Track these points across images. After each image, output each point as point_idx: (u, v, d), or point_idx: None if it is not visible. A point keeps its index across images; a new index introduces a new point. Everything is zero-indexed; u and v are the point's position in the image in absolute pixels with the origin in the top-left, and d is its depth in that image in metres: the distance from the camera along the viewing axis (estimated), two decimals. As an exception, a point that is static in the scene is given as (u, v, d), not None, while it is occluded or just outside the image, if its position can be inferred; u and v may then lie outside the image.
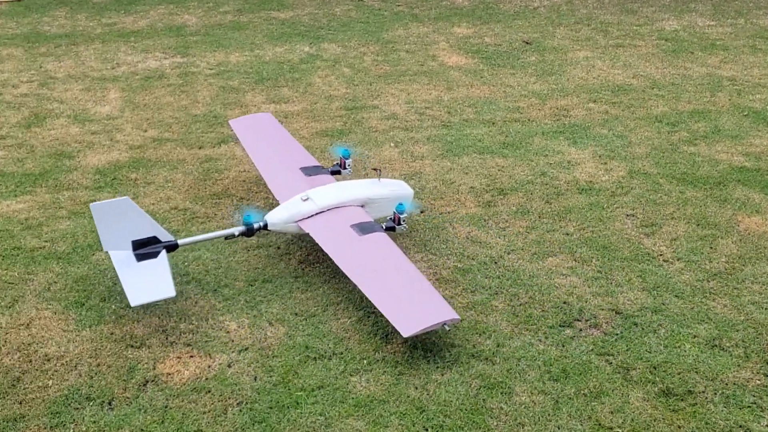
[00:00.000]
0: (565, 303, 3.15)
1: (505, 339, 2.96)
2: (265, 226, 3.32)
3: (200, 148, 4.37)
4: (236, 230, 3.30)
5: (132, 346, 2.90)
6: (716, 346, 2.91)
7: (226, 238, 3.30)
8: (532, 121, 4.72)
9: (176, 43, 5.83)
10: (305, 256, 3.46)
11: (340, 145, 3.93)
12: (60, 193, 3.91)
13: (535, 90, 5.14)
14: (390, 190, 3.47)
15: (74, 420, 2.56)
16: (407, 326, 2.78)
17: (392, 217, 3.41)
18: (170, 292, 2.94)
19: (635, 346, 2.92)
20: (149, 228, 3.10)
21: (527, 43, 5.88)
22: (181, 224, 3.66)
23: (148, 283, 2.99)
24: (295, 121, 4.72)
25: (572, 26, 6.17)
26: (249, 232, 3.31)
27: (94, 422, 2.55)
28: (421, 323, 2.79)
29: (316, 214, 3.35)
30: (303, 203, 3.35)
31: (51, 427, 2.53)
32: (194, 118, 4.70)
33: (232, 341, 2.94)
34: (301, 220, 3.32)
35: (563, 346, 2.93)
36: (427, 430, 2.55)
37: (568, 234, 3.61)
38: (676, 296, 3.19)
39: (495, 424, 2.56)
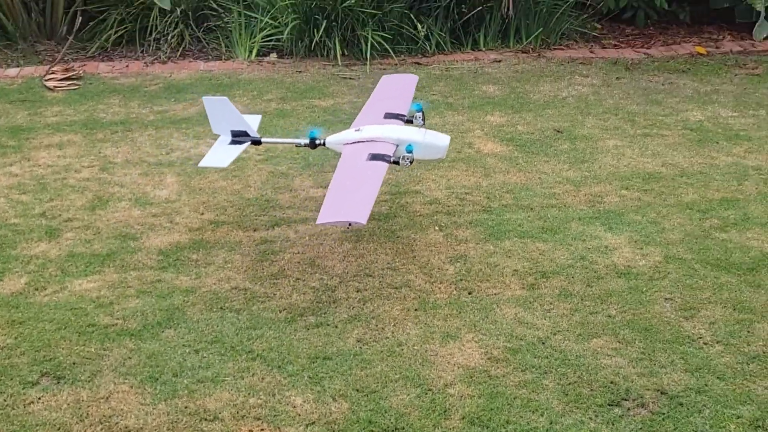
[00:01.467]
0: (612, 383, 3.32)
1: (558, 417, 3.13)
2: (323, 143, 4.31)
3: (255, 230, 4.61)
4: (302, 141, 4.37)
5: (206, 419, 3.08)
6: (760, 426, 3.06)
7: (296, 145, 4.52)
8: (568, 207, 4.95)
9: (225, 129, 6.14)
10: (362, 335, 3.66)
11: (418, 101, 4.53)
12: (127, 273, 4.15)
13: (569, 177, 5.38)
14: (425, 138, 4.13)
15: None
16: (324, 216, 3.59)
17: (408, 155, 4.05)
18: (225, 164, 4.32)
19: (682, 425, 3.07)
20: (244, 125, 4.38)
21: (558, 131, 6.17)
22: (243, 303, 3.88)
23: (222, 157, 4.34)
24: (342, 205, 4.96)
25: (600, 116, 6.46)
26: (312, 144, 4.32)
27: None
28: (334, 217, 3.58)
29: (358, 141, 4.13)
30: (354, 132, 4.19)
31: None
32: (248, 202, 4.97)
33: (299, 415, 3.12)
34: (346, 143, 4.17)
35: (613, 424, 3.09)
36: (491, 502, 2.69)
37: (610, 316, 3.79)
38: (718, 378, 3.35)
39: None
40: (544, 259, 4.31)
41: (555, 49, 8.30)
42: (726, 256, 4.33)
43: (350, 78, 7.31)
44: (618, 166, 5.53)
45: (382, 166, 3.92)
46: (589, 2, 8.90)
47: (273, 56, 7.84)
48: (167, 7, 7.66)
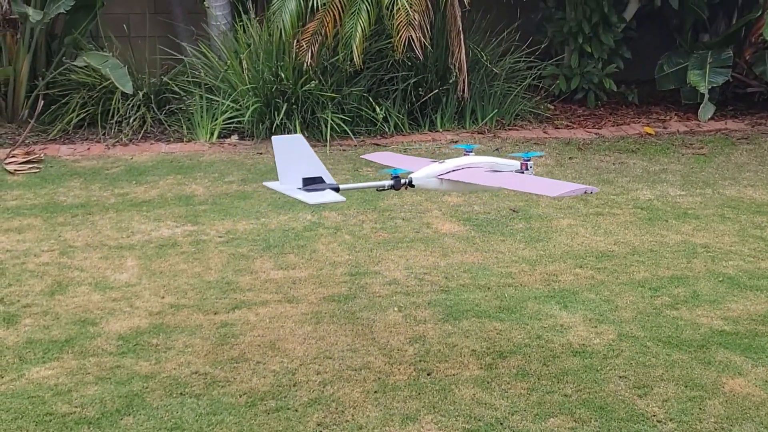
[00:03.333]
0: (569, 463, 3.37)
1: (516, 499, 3.16)
2: (409, 183, 3.99)
3: (215, 313, 4.63)
4: (386, 183, 3.95)
5: None
6: (713, 503, 3.13)
7: (378, 189, 4.01)
8: (524, 286, 5.06)
9: (186, 212, 6.21)
10: (322, 418, 3.67)
11: (462, 143, 4.62)
12: (86, 359, 4.13)
13: (525, 256, 5.51)
14: (503, 162, 4.16)
15: None
16: (551, 189, 3.59)
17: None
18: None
19: (638, 505, 3.12)
20: (319, 170, 3.81)
21: (514, 211, 6.33)
22: (203, 388, 3.87)
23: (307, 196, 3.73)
24: (303, 286, 5.02)
25: (554, 195, 6.64)
26: (397, 184, 3.96)
27: None
28: (564, 188, 3.54)
29: (453, 170, 4.03)
30: (439, 164, 4.07)
31: None
32: (208, 285, 4.99)
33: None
34: (440, 175, 4.03)
35: (571, 505, 3.12)
36: None
37: (566, 395, 3.86)
38: (671, 455, 3.42)
39: None
40: (502, 339, 4.39)
41: (510, 129, 8.57)
42: (677, 333, 4.45)
43: (311, 159, 7.45)
44: (572, 245, 5.68)
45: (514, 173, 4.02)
46: (541, 85, 9.24)
47: (234, 138, 7.97)
48: (129, 91, 7.78)
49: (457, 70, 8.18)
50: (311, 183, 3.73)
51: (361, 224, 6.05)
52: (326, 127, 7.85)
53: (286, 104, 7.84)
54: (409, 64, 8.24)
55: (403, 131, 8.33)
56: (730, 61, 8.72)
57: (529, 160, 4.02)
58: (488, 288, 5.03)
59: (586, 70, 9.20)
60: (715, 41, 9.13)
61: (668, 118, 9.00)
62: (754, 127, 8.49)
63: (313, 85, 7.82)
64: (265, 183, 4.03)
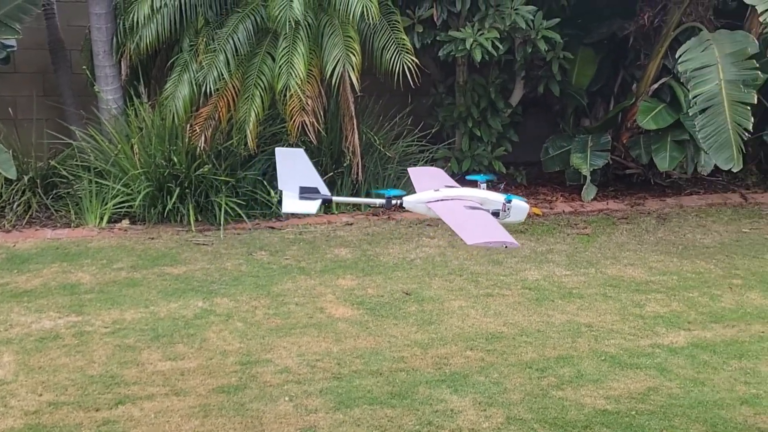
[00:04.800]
0: None
1: None
2: (400, 204, 4.29)
3: (97, 410, 4.46)
4: (378, 201, 4.33)
5: None
6: None
7: (370, 206, 4.39)
8: (416, 370, 5.10)
9: (70, 301, 6.00)
10: None
11: (477, 174, 4.73)
12: (-48, 465, 3.88)
13: (417, 339, 5.56)
14: (493, 197, 4.38)
15: None
16: (471, 236, 3.81)
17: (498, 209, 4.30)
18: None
19: None
20: (315, 181, 4.22)
21: (407, 293, 6.40)
22: (80, 493, 3.69)
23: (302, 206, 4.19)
24: (191, 378, 4.90)
25: (446, 277, 6.77)
26: (388, 204, 4.28)
27: None
28: (484, 237, 3.78)
29: (443, 199, 4.28)
30: (434, 192, 4.32)
31: None
32: (91, 379, 4.81)
33: None
34: (429, 202, 4.28)
35: None
36: None
37: (456, 483, 3.87)
38: None
39: None
40: (393, 426, 4.38)
41: (405, 211, 8.70)
42: (563, 414, 4.55)
43: (204, 244, 7.37)
44: (463, 327, 5.77)
45: (487, 213, 4.21)
46: (433, 166, 9.48)
47: (125, 223, 7.81)
48: (12, 176, 7.55)
49: (351, 154, 8.31)
50: (307, 192, 4.22)
51: (254, 310, 5.98)
52: (220, 211, 7.80)
53: (179, 188, 7.76)
54: (304, 147, 8.31)
55: (298, 214, 8.35)
56: (608, 144, 9.19)
57: (509, 202, 4.32)
58: (380, 373, 5.04)
59: (476, 152, 9.50)
60: (595, 126, 9.63)
61: (555, 198, 9.35)
62: (633, 207, 8.92)
63: (206, 169, 7.79)
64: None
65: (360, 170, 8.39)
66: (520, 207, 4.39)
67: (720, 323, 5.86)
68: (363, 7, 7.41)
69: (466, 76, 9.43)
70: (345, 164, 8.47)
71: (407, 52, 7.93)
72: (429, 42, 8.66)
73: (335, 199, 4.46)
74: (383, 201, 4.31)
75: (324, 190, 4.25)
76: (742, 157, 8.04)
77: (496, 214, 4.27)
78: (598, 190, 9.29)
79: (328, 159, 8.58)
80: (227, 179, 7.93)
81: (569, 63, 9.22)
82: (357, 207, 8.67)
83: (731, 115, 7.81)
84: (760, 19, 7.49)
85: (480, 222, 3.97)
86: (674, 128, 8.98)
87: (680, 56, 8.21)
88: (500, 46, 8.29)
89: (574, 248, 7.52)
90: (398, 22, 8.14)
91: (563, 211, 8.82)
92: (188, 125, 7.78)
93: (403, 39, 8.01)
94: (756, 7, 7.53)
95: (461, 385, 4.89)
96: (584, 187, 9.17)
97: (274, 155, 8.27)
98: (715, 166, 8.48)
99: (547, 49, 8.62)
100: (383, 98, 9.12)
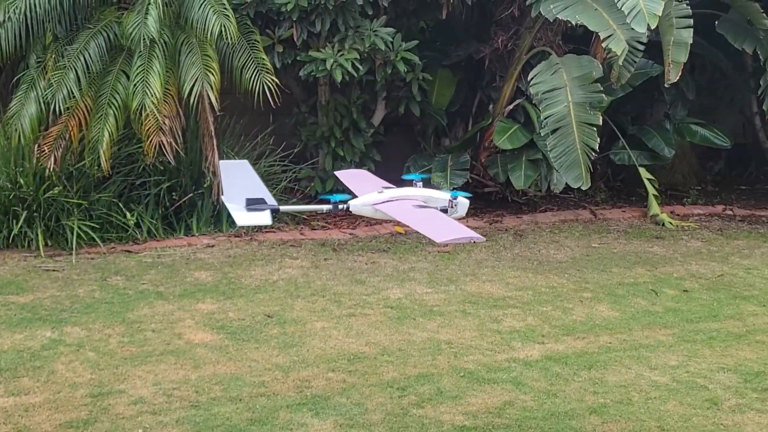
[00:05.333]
0: None
1: None
2: (348, 209, 4.35)
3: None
4: (325, 207, 4.36)
5: None
6: None
7: (318, 212, 4.48)
8: (277, 395, 5.02)
9: None
10: None
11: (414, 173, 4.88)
12: None
13: (278, 363, 5.49)
14: (436, 195, 4.54)
15: None
16: (439, 235, 3.94)
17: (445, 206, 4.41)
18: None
19: None
20: (262, 192, 4.19)
21: (269, 316, 6.32)
22: None
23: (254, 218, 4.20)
24: (36, 413, 4.63)
25: (309, 298, 6.73)
26: (335, 208, 4.33)
27: None
28: (451, 235, 3.89)
29: (388, 200, 4.37)
30: (378, 194, 4.38)
31: None
32: None
33: None
34: (376, 204, 4.36)
35: None
36: None
37: None
38: None
39: None
40: (252, 455, 4.29)
41: (267, 232, 8.61)
42: (422, 432, 4.59)
43: (54, 270, 7.01)
44: (325, 348, 5.75)
45: (438, 212, 4.35)
46: (297, 187, 9.44)
47: (-34, 249, 7.33)
48: None
49: (211, 174, 8.15)
50: (254, 203, 4.18)
51: (107, 339, 5.73)
52: (72, 234, 7.45)
53: (26, 212, 7.37)
54: (162, 168, 8.10)
55: (157, 237, 8.10)
56: (467, 164, 9.45)
57: (455, 199, 4.49)
58: (240, 399, 4.93)
59: (340, 172, 9.52)
60: (455, 146, 9.88)
61: (417, 217, 9.50)
62: (491, 225, 9.20)
63: (56, 191, 7.44)
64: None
65: (221, 191, 8.22)
66: (463, 203, 4.58)
67: (571, 335, 6.11)
68: (221, 26, 7.32)
69: (329, 96, 9.47)
70: (205, 185, 8.30)
71: (267, 72, 7.89)
72: (290, 62, 8.64)
73: (282, 208, 4.46)
74: (329, 206, 4.38)
75: (271, 200, 4.25)
76: (590, 175, 8.47)
77: (444, 210, 4.44)
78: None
79: (188, 180, 8.38)
80: (80, 202, 7.60)
81: (429, 84, 9.43)
82: (219, 228, 8.51)
83: (579, 136, 8.21)
84: (603, 45, 7.92)
85: (438, 221, 4.14)
86: (528, 148, 9.35)
87: (532, 79, 8.57)
88: (360, 67, 8.38)
89: (435, 266, 7.65)
90: (258, 42, 8.09)
91: (425, 230, 8.97)
92: (36, 145, 7.41)
93: (263, 59, 7.96)
94: (600, 34, 7.95)
95: (322, 408, 4.85)
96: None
97: (130, 176, 8.06)
98: (567, 183, 8.88)
99: (406, 70, 8.78)
100: (245, 118, 9.03)
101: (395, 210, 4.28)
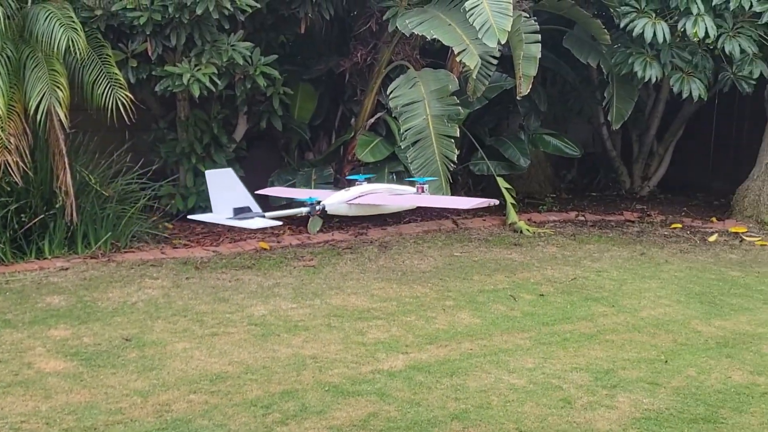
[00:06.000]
0: None
1: None
2: (323, 209, 4.68)
3: None
4: (304, 209, 4.67)
5: None
6: None
7: (299, 215, 4.61)
8: (135, 421, 4.85)
9: None
10: None
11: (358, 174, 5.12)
12: None
13: (137, 388, 5.30)
14: (400, 188, 4.90)
15: None
16: (463, 203, 4.24)
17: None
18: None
19: None
20: (247, 200, 4.41)
21: (127, 339, 6.09)
22: None
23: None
24: None
25: (170, 319, 6.54)
26: (313, 210, 4.53)
27: None
28: (470, 202, 4.23)
29: (360, 195, 4.81)
30: (345, 192, 4.66)
31: None
32: None
33: None
34: (350, 201, 4.73)
35: None
36: None
37: None
38: None
39: None
40: (107, 486, 4.11)
41: (126, 252, 8.33)
42: (286, 450, 4.54)
43: None
44: (186, 370, 5.60)
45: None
46: (157, 205, 9.19)
47: None
48: None
49: (63, 194, 7.81)
50: (241, 212, 4.51)
51: (-52, 373, 5.36)
52: None
53: None
54: (9, 189, 7.68)
55: (4, 261, 7.67)
56: (331, 177, 9.49)
57: (425, 184, 4.93)
58: (95, 428, 4.73)
59: (201, 188, 9.33)
60: (319, 159, 9.91)
61: (282, 232, 9.44)
62: (357, 237, 9.26)
63: None
64: (190, 216, 4.87)
65: (74, 211, 7.90)
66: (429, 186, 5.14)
67: (434, 344, 6.22)
68: (69, 39, 7.04)
69: (188, 111, 9.29)
70: (57, 205, 7.93)
71: (121, 87, 7.65)
72: (145, 77, 8.41)
73: (267, 215, 4.80)
74: (308, 209, 4.82)
75: (255, 208, 4.72)
76: (451, 185, 8.69)
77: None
78: (323, 222, 9.53)
79: (38, 200, 7.99)
80: None
81: (290, 98, 9.42)
82: (73, 250, 8.15)
83: (438, 148, 8.42)
84: (458, 59, 8.16)
85: (439, 198, 4.85)
86: (390, 160, 9.50)
87: (391, 92, 8.72)
88: (219, 82, 8.26)
89: (301, 281, 7.62)
90: (110, 56, 7.84)
91: (290, 244, 8.93)
92: None
93: (116, 74, 7.72)
94: (454, 49, 8.19)
95: (183, 432, 4.72)
96: (310, 219, 9.34)
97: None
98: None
99: (266, 84, 8.73)
100: (99, 135, 8.71)
101: (378, 200, 4.89)
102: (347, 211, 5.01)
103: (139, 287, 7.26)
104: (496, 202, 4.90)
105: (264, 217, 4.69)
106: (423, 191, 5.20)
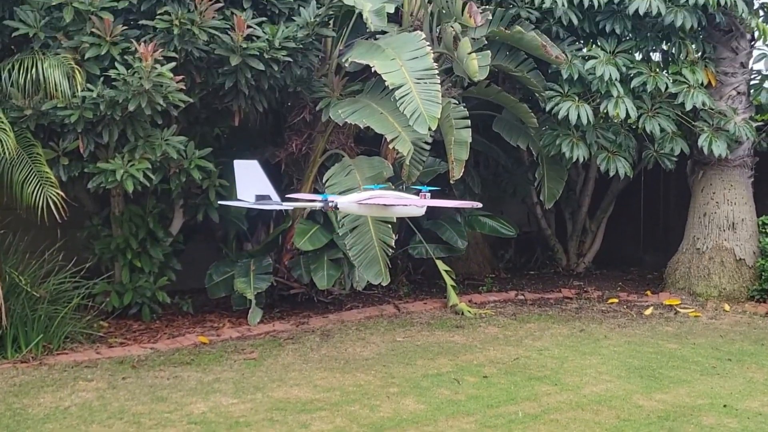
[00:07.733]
0: None
1: None
2: (336, 206, 5.43)
3: None
4: (318, 204, 5.41)
5: None
6: None
7: (314, 209, 5.22)
8: None
9: None
10: None
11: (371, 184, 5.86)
12: None
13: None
14: (405, 195, 5.65)
15: None
16: (463, 204, 5.31)
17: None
18: None
19: None
20: (268, 190, 5.19)
21: (59, 447, 5.84)
22: None
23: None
24: None
25: (105, 422, 6.31)
26: (325, 207, 5.32)
27: None
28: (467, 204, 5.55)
29: (369, 198, 5.52)
30: (357, 194, 5.33)
31: None
32: None
33: None
34: (360, 202, 5.43)
35: None
36: None
37: None
38: None
39: None
40: None
41: (58, 354, 8.06)
42: None
43: None
44: (123, 476, 5.37)
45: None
46: (91, 303, 8.96)
47: None
48: None
49: (-7, 298, 7.56)
50: (261, 199, 5.28)
51: None
52: None
53: None
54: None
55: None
56: (270, 267, 9.43)
57: (429, 192, 5.38)
58: None
59: (138, 284, 9.19)
60: (257, 249, 9.85)
61: (222, 325, 9.29)
62: (298, 327, 9.15)
63: None
64: (220, 201, 5.56)
65: (3, 315, 7.65)
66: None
67: (379, 433, 6.12)
68: (-3, 140, 6.95)
69: (123, 206, 9.19)
70: (-15, 309, 7.66)
71: (51, 186, 7.56)
72: (77, 174, 8.32)
73: (284, 205, 5.69)
74: (321, 204, 5.55)
75: (275, 197, 5.46)
76: (391, 270, 8.72)
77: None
78: (264, 313, 9.43)
79: (-36, 304, 7.71)
80: None
81: (226, 190, 9.39)
82: (2, 355, 7.86)
83: (376, 234, 8.48)
84: (391, 146, 8.31)
85: (447, 201, 5.72)
86: (329, 248, 9.49)
87: (327, 180, 8.80)
88: (153, 177, 8.22)
89: (242, 374, 7.46)
90: (40, 155, 7.76)
91: (230, 337, 8.78)
92: None
93: (47, 172, 7.63)
94: (387, 136, 8.35)
95: None
96: (250, 311, 9.25)
97: None
98: (369, 280, 9.08)
99: (202, 177, 8.72)
100: (29, 234, 8.53)
101: (386, 202, 5.49)
102: (357, 210, 5.68)
103: (73, 390, 7.01)
104: (479, 204, 5.98)
105: (281, 204, 5.61)
106: (426, 198, 5.79)
